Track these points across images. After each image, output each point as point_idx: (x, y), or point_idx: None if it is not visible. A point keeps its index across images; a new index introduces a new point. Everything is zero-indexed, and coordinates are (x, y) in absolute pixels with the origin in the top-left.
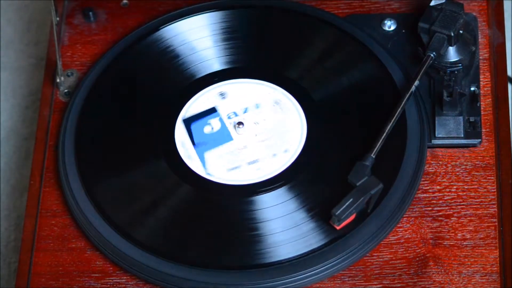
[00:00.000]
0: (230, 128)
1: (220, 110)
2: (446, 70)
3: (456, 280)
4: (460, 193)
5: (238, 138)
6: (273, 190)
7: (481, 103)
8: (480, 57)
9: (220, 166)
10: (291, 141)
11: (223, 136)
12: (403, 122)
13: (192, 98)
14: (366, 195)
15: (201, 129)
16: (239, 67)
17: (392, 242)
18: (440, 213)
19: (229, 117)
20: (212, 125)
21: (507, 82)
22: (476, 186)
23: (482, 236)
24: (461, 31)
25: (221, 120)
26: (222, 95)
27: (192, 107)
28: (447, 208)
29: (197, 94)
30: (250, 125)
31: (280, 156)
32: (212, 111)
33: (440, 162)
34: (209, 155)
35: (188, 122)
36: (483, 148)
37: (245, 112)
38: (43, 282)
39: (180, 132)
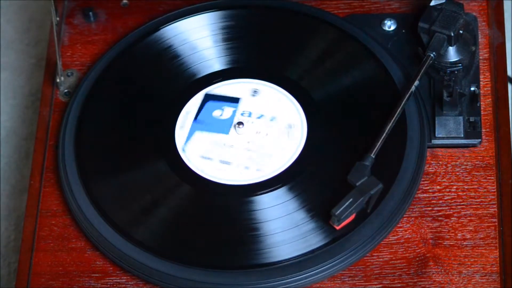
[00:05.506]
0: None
1: (241, 103)
2: (446, 70)
3: (456, 280)
4: (460, 193)
5: (233, 136)
6: (273, 191)
7: (481, 103)
8: (480, 57)
9: (197, 149)
10: (271, 166)
11: (222, 126)
12: (403, 122)
13: (229, 80)
14: (366, 195)
15: (211, 110)
16: (240, 67)
17: (392, 242)
18: (440, 213)
19: (242, 114)
20: (223, 112)
21: (507, 82)
22: (476, 186)
23: (482, 236)
24: (461, 31)
25: (234, 112)
26: (255, 92)
27: (222, 87)
28: (447, 208)
29: (236, 79)
30: (251, 130)
31: (250, 171)
32: (235, 100)
33: (440, 162)
34: (198, 135)
35: (208, 97)
36: (483, 148)
37: (258, 118)
38: (43, 282)
39: (194, 102)
